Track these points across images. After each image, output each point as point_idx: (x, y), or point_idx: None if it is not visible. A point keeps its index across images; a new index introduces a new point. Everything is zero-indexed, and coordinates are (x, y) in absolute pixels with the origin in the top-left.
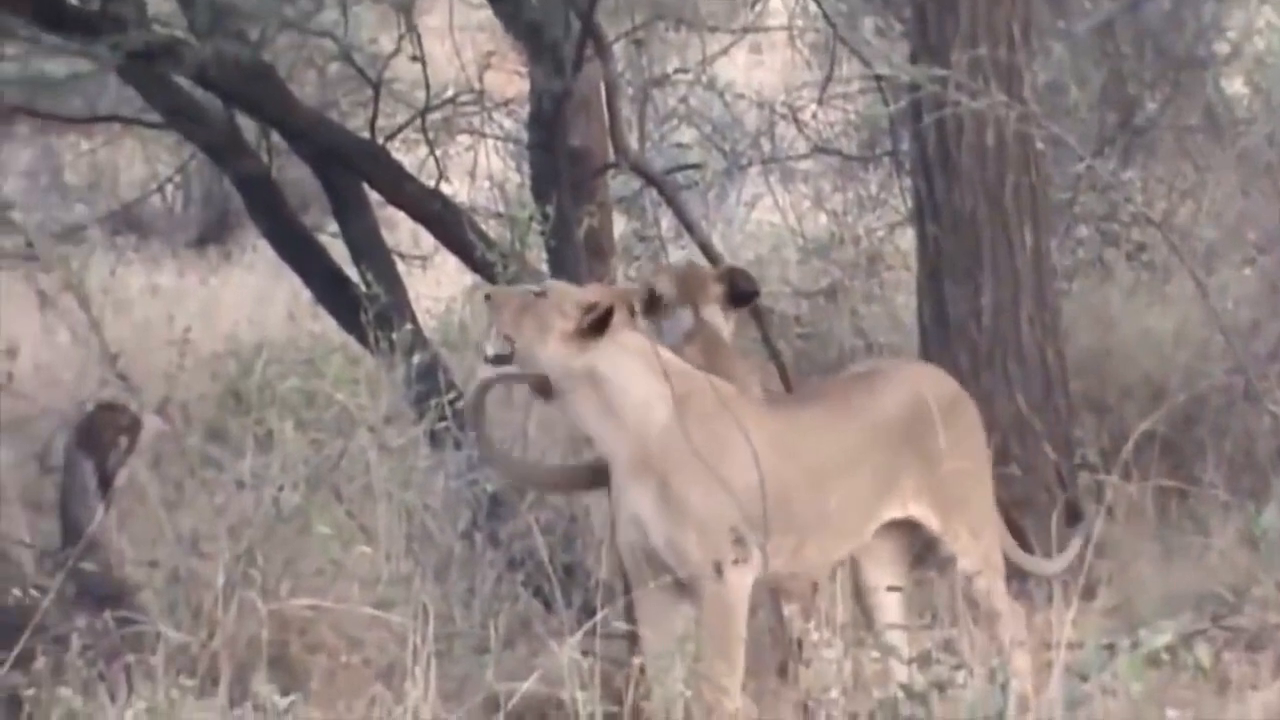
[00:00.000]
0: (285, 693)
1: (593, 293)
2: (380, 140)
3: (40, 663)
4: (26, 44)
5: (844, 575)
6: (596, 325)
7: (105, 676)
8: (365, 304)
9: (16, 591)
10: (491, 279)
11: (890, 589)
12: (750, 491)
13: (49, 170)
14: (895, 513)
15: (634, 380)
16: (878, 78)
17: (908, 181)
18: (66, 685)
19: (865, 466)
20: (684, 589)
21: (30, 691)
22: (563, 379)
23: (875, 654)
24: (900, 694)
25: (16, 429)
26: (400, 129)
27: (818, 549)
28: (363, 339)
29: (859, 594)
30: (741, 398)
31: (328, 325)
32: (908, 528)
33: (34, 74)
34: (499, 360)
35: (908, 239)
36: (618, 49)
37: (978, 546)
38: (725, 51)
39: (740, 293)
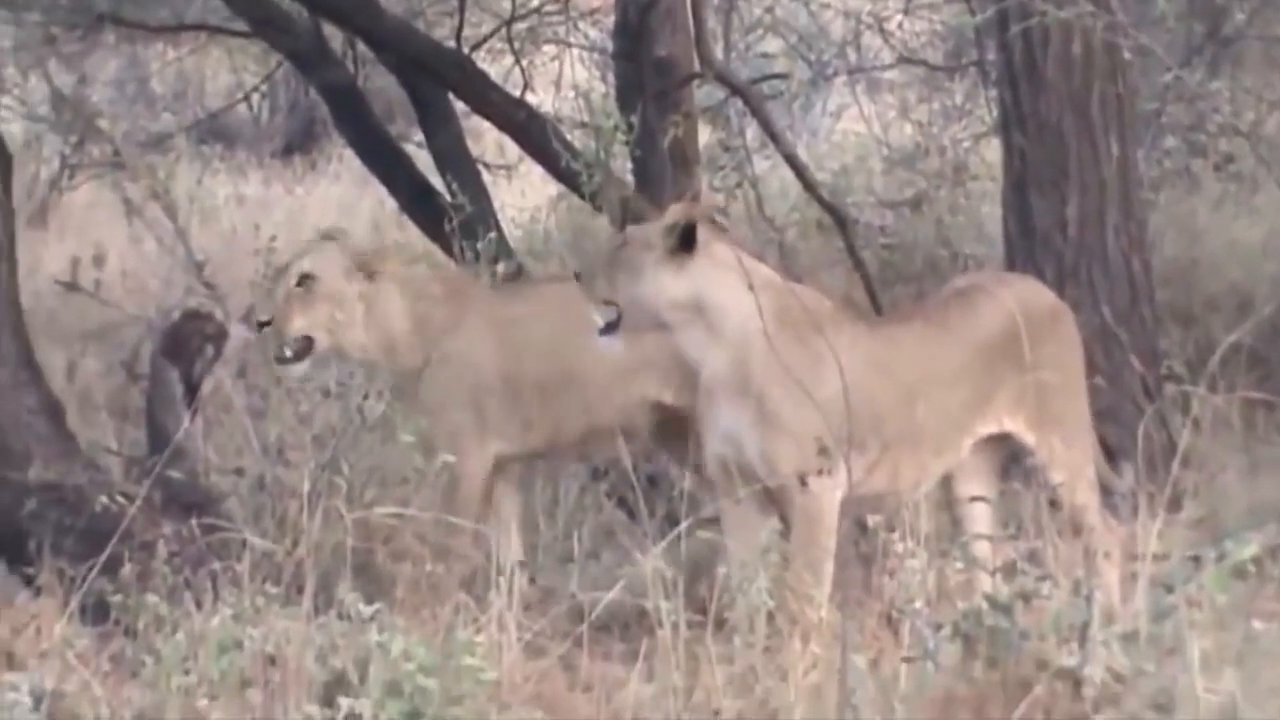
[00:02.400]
0: (369, 601)
1: (671, 212)
2: (466, 50)
3: (127, 569)
4: None
5: (930, 486)
6: (684, 242)
7: (191, 583)
8: (450, 213)
9: (104, 499)
10: (576, 189)
11: (976, 500)
12: (841, 405)
13: (136, 80)
14: (991, 428)
15: (734, 298)
16: None
17: (994, 92)
18: (153, 591)
19: (962, 383)
20: (769, 500)
21: (117, 597)
22: (671, 314)
23: (960, 565)
24: (985, 605)
25: (103, 337)
26: (486, 38)
27: (912, 466)
28: (447, 248)
29: (948, 505)
30: (839, 313)
31: (412, 234)
32: (998, 439)
33: None
34: (610, 328)
35: (993, 149)
36: None
37: (1071, 459)
38: None
39: None
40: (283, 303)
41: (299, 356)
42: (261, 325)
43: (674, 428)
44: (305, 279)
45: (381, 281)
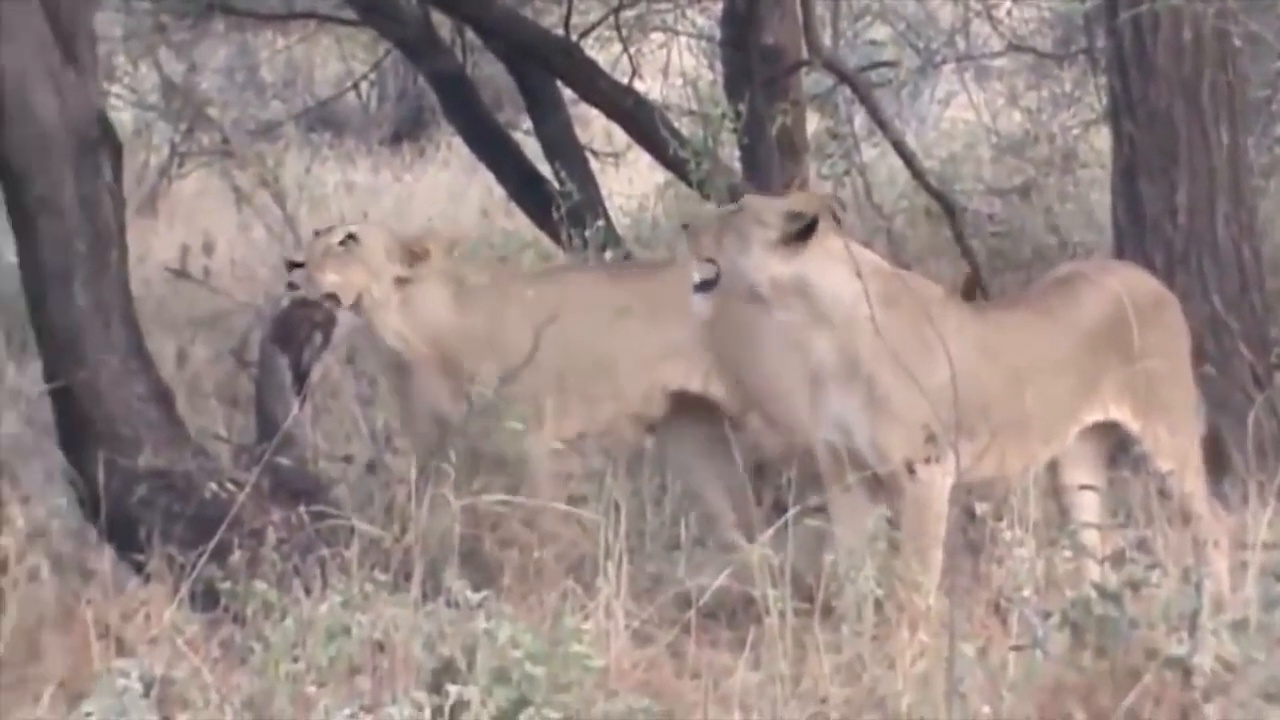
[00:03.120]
0: (477, 588)
1: (795, 200)
2: (574, 37)
3: (236, 556)
4: None
5: (1038, 474)
6: (802, 233)
7: (300, 570)
8: (558, 201)
9: (213, 486)
10: (684, 176)
11: (1084, 488)
12: (949, 392)
13: (245, 68)
14: (1096, 416)
15: (843, 285)
16: None
17: (1103, 79)
18: (262, 578)
19: (1068, 371)
20: (877, 487)
21: (226, 584)
22: (770, 290)
23: (1068, 553)
24: (1093, 593)
25: (213, 324)
26: (594, 26)
27: (1019, 453)
28: (555, 235)
29: (1055, 493)
30: (947, 301)
31: (520, 222)
32: (1105, 427)
33: None
34: (706, 286)
35: (1103, 137)
36: None
37: (1177, 447)
38: None
39: None
40: (320, 254)
41: None
42: (293, 266)
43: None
44: (349, 239)
45: (425, 276)
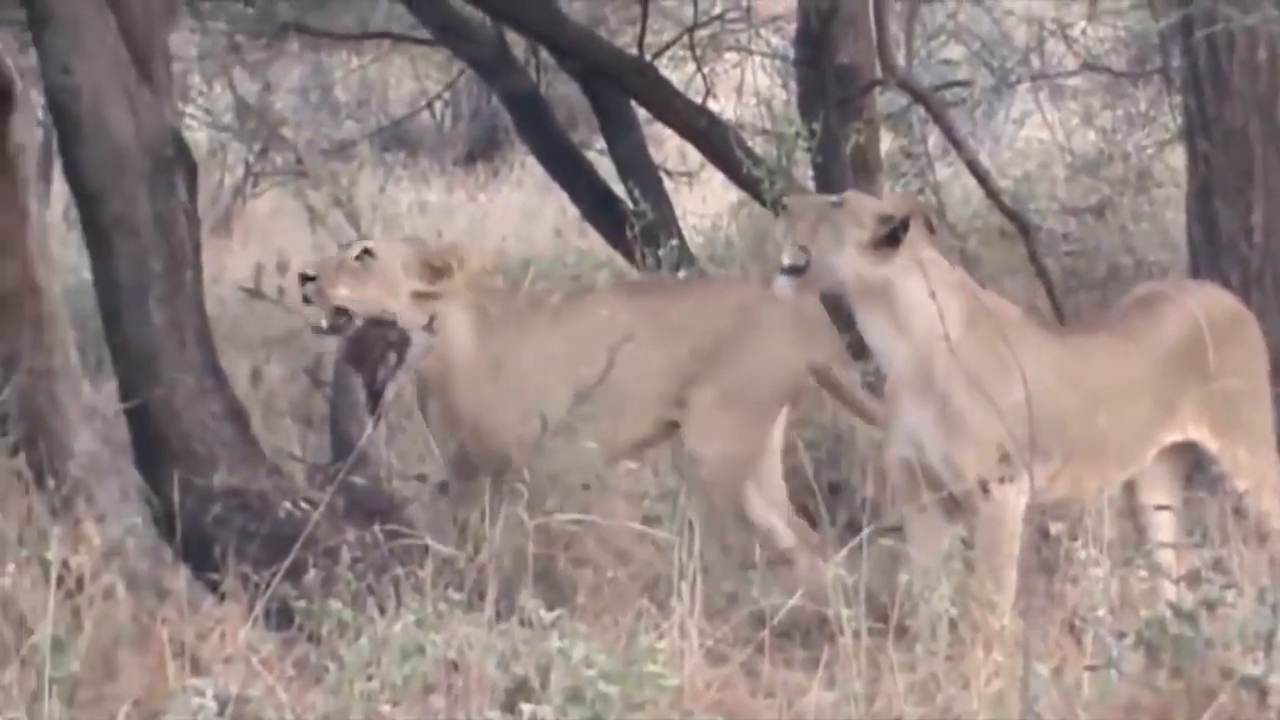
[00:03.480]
0: (551, 607)
1: (890, 204)
2: (648, 57)
3: (311, 575)
4: None
5: (1113, 494)
6: (892, 237)
7: (374, 589)
8: (632, 220)
9: (288, 505)
10: (758, 196)
11: (1160, 507)
12: (1024, 413)
13: (319, 87)
14: (1175, 436)
15: (923, 297)
16: None
17: (1178, 98)
18: (336, 597)
19: (1146, 393)
20: (953, 507)
21: (301, 603)
22: (856, 290)
23: (1144, 572)
24: (1168, 613)
25: (287, 343)
26: (668, 46)
27: (1096, 474)
28: (629, 255)
29: (1131, 512)
30: (1025, 321)
31: (594, 241)
32: (1182, 446)
33: None
34: (793, 271)
35: (1178, 156)
36: None
37: (1255, 466)
38: None
39: None
40: (333, 268)
41: (334, 329)
42: (305, 279)
43: None
44: (365, 254)
45: (450, 298)
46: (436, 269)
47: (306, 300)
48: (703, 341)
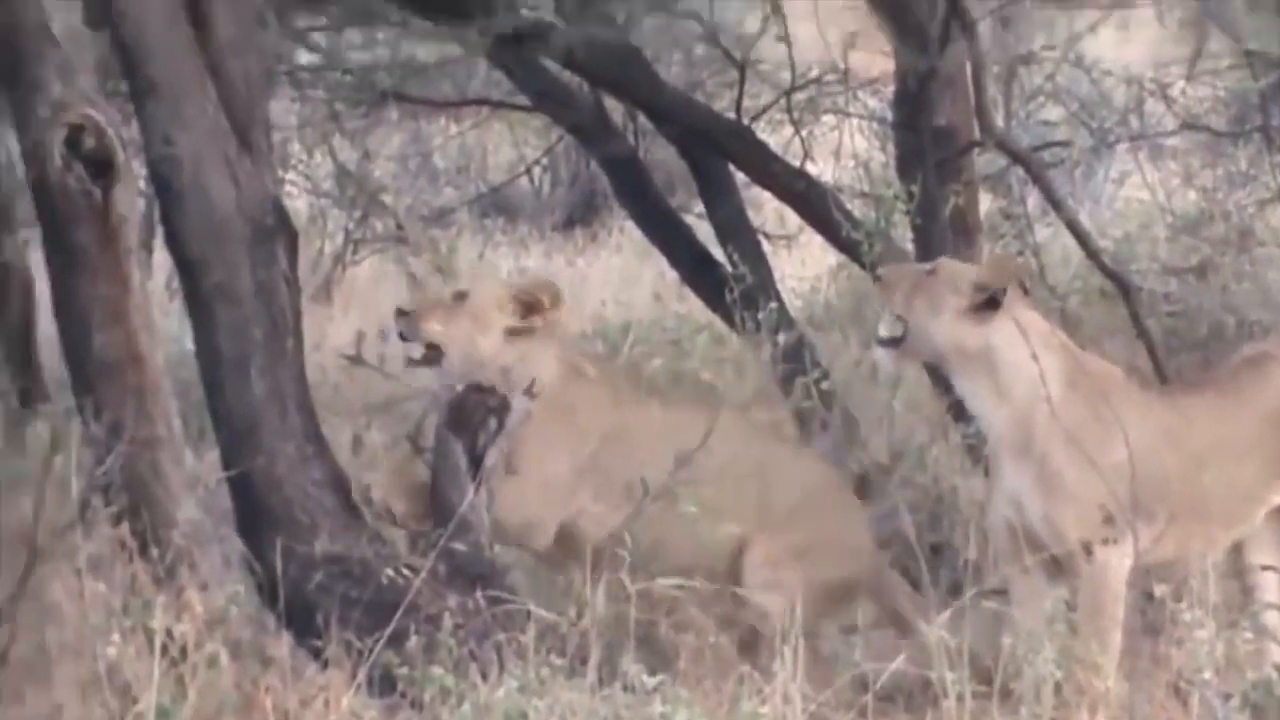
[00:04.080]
0: (653, 672)
1: (986, 270)
2: (746, 120)
3: (413, 641)
4: (397, 29)
5: (1218, 554)
6: (990, 302)
7: (476, 655)
8: (731, 284)
9: (390, 571)
10: (857, 258)
11: (1266, 568)
12: (1127, 474)
13: (418, 154)
14: None
15: (1026, 358)
16: (1247, 53)
17: (1278, 157)
18: (439, 664)
19: (1253, 453)
20: (1057, 569)
21: (404, 670)
22: (955, 356)
23: (1249, 634)
24: (1275, 675)
25: (388, 410)
26: (765, 109)
27: (1201, 535)
28: (728, 319)
29: (1237, 573)
30: (1128, 381)
31: (693, 305)
32: None
33: (404, 59)
34: (891, 342)
35: (1278, 215)
36: (983, 27)
37: None
38: (1093, 28)
39: None
40: (428, 304)
41: (426, 361)
42: (400, 313)
43: None
44: (460, 295)
45: (540, 335)
46: (528, 304)
47: (401, 336)
48: None
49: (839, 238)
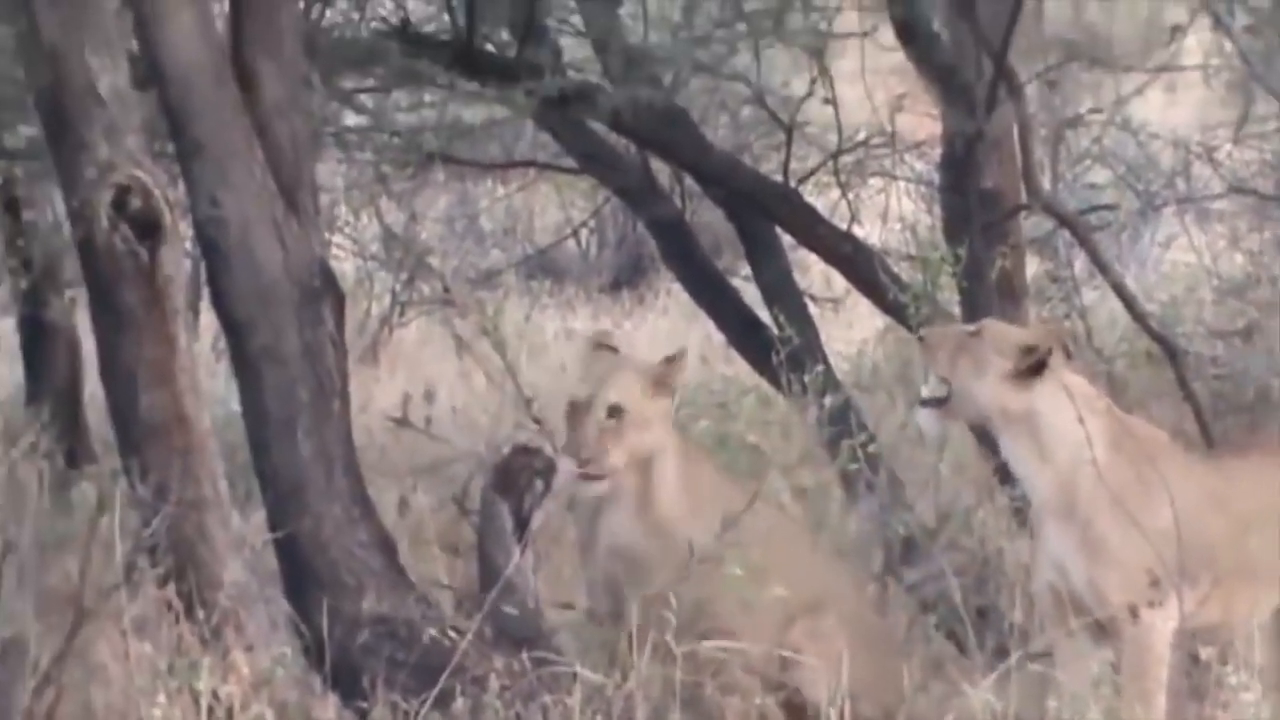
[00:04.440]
0: None
1: (1031, 333)
2: (792, 183)
3: (459, 703)
4: (444, 91)
5: (1264, 618)
6: (1036, 366)
7: (522, 717)
8: (777, 346)
9: (435, 633)
10: (904, 321)
11: None
12: (1172, 537)
13: (465, 216)
14: None
15: (1070, 421)
16: None
17: None
18: None
19: None
20: (1102, 632)
21: None
22: (999, 419)
23: None
24: None
25: (434, 472)
26: (812, 172)
27: (1246, 598)
28: (775, 381)
29: None
30: (1172, 445)
31: (740, 368)
32: None
33: (451, 121)
34: (934, 403)
35: None
36: (1031, 89)
37: None
38: (1139, 91)
39: None
40: (597, 440)
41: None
42: (583, 463)
43: None
44: (614, 410)
45: (667, 438)
46: (663, 385)
47: (589, 477)
48: None
49: (885, 301)
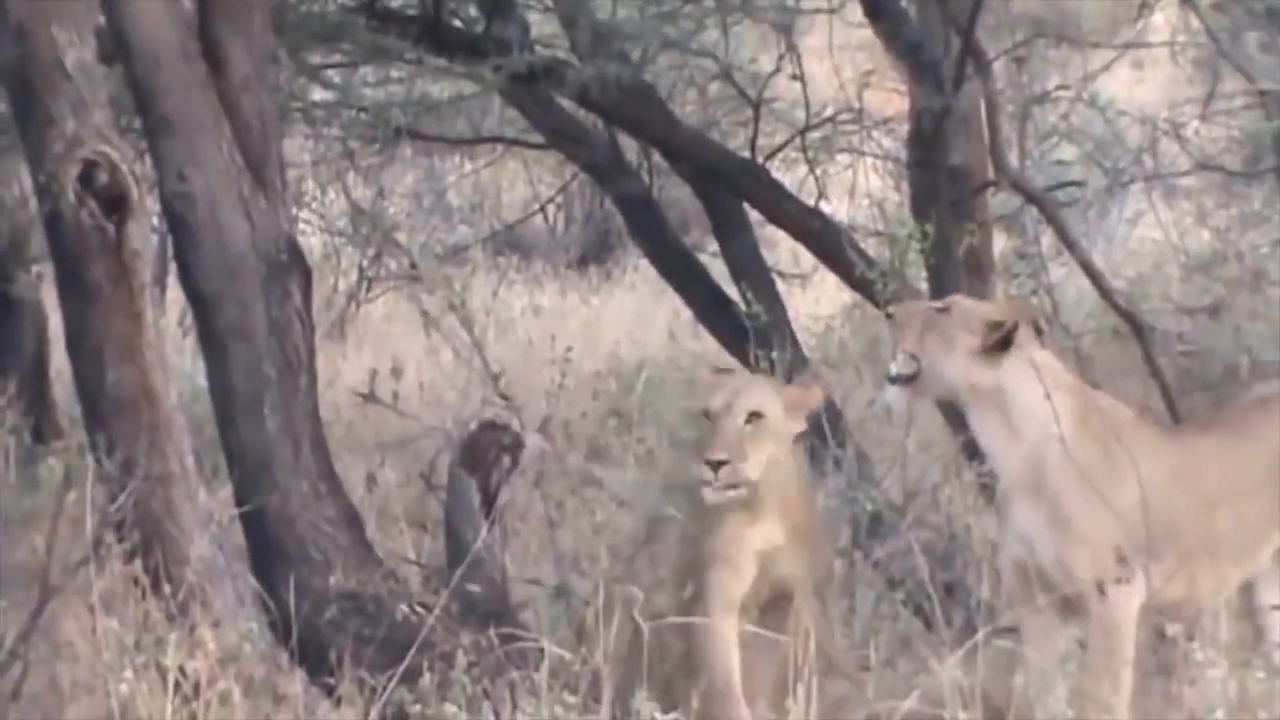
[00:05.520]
0: (666, 709)
1: (999, 309)
2: (760, 159)
3: (426, 679)
4: (412, 66)
5: (1230, 594)
6: (1003, 341)
7: (490, 693)
8: (745, 322)
9: (403, 609)
10: (871, 297)
11: (1277, 608)
12: (1138, 514)
13: (432, 192)
14: None
15: (1038, 397)
16: (1261, 93)
17: None
18: (452, 701)
19: (1263, 492)
20: (1068, 608)
21: (417, 707)
22: (967, 395)
23: (1261, 674)
24: None
25: (402, 448)
26: (780, 148)
27: (1212, 574)
28: (743, 357)
29: (1249, 613)
30: (1139, 421)
31: (708, 344)
32: None
33: (419, 96)
34: (902, 379)
35: None
36: (998, 66)
37: None
38: (1107, 68)
39: None
40: (737, 443)
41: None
42: (717, 465)
43: None
44: (754, 416)
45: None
46: (801, 404)
47: (734, 487)
48: None
49: (853, 277)
